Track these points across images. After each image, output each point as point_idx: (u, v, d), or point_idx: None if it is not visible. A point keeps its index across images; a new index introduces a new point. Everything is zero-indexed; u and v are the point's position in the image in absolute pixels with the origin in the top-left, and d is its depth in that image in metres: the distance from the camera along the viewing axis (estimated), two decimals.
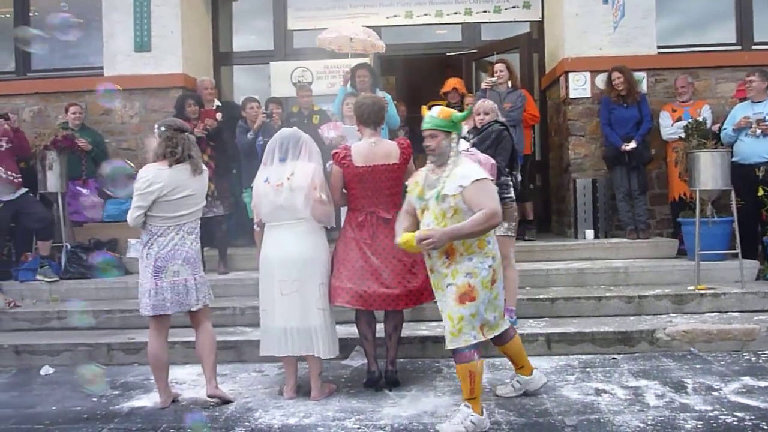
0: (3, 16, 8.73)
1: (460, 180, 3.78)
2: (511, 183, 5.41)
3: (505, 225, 5.35)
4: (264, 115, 7.15)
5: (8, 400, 4.85)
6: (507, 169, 5.39)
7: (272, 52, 9.25)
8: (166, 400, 4.50)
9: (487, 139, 5.37)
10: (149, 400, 4.66)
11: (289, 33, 9.19)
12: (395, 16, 9.02)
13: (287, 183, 4.39)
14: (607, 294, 6.05)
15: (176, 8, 8.21)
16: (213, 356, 4.51)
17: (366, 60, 7.86)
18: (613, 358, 5.15)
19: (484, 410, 3.84)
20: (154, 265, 4.34)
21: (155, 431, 4.06)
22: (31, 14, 8.68)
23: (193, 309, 4.41)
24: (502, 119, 5.48)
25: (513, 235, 5.44)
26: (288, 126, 5.41)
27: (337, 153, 4.64)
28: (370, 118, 4.61)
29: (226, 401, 4.48)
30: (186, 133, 4.42)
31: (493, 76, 7.42)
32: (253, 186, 4.64)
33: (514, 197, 5.42)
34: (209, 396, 4.46)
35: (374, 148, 4.55)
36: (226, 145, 7.28)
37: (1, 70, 8.71)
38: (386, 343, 4.71)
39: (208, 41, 9.12)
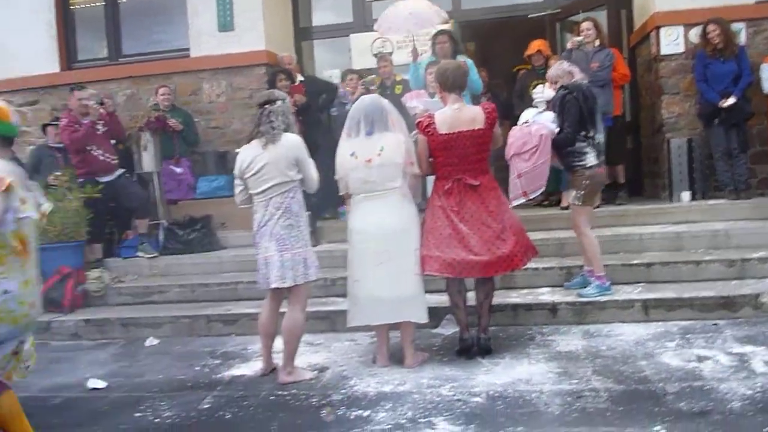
0: (94, 5, 9.05)
1: None
2: (586, 149, 5.23)
3: (573, 193, 5.24)
4: (362, 87, 7.17)
5: (119, 369, 5.13)
6: (582, 133, 5.22)
7: (351, 24, 9.24)
8: (266, 368, 4.64)
9: (555, 108, 5.27)
10: (249, 368, 4.82)
11: (368, 4, 9.15)
12: None
13: (378, 159, 4.39)
14: (707, 258, 5.79)
15: None
16: (292, 340, 4.45)
17: (447, 26, 7.72)
18: (715, 324, 4.94)
19: None
20: (254, 240, 4.49)
21: (256, 398, 4.20)
22: (120, 1, 8.98)
23: (272, 286, 4.41)
24: (576, 80, 5.28)
25: (580, 203, 5.27)
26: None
27: (420, 122, 4.61)
28: (452, 83, 4.56)
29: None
30: (272, 105, 4.45)
31: (579, 36, 7.17)
32: (337, 158, 4.65)
33: (588, 164, 5.23)
34: (280, 383, 4.43)
35: (458, 114, 4.49)
36: (314, 120, 7.37)
37: (95, 56, 9.04)
38: (477, 311, 4.69)
39: (289, 17, 9.20)
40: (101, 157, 7.13)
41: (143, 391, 4.52)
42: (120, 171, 7.36)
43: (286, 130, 4.44)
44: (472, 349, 4.61)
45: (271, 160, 4.36)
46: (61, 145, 7.41)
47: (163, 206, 7.81)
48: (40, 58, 8.79)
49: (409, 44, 8.56)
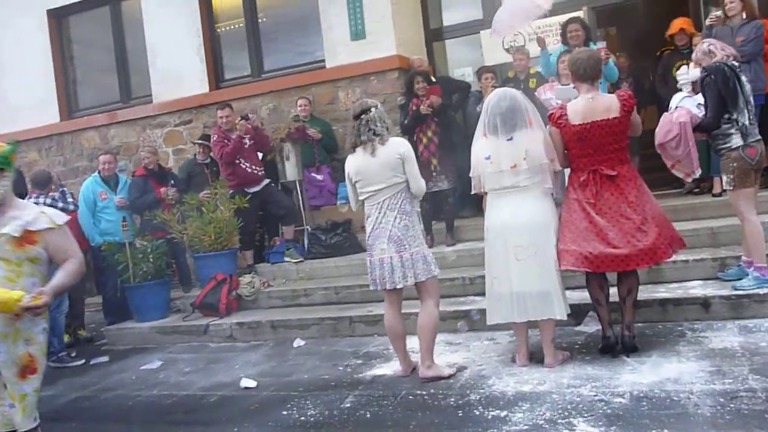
0: (236, 26, 9.60)
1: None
2: (730, 131, 4.86)
3: (724, 178, 4.89)
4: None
5: (269, 369, 5.40)
6: (726, 116, 4.85)
7: (481, 21, 9.15)
8: (406, 369, 4.71)
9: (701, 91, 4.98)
10: (389, 368, 4.91)
11: (497, 0, 9.02)
12: None
13: (524, 163, 4.34)
14: None
15: None
16: (429, 336, 4.49)
17: (579, 14, 7.47)
18: None
19: None
20: (367, 242, 4.60)
21: (395, 398, 4.28)
22: (260, 20, 9.46)
23: (398, 286, 4.46)
24: (717, 60, 4.91)
25: (732, 187, 4.89)
26: None
27: (552, 114, 4.51)
28: (585, 73, 4.42)
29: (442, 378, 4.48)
30: (367, 114, 4.53)
31: (718, 11, 6.66)
32: (472, 158, 4.62)
33: (734, 145, 4.85)
34: (422, 378, 4.49)
35: (592, 104, 4.34)
36: (447, 121, 7.39)
37: (240, 75, 9.58)
38: (621, 307, 4.49)
39: (419, 20, 9.26)
40: (249, 169, 7.55)
41: (290, 390, 4.74)
42: (266, 181, 7.75)
43: (385, 134, 4.52)
44: (615, 347, 4.43)
45: (381, 163, 4.46)
46: (207, 161, 7.93)
47: (307, 212, 8.13)
48: (194, 79, 9.44)
49: (542, 35, 8.41)
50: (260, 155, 7.90)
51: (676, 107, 5.15)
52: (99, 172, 7.65)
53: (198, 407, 4.69)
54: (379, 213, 4.49)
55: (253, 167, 7.60)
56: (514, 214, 4.39)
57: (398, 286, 4.48)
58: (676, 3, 8.42)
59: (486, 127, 4.50)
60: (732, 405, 3.43)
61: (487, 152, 4.46)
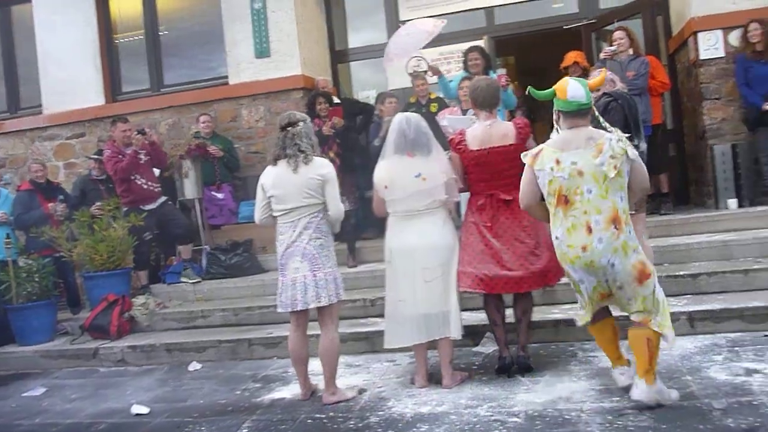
0: (135, 38, 9.32)
1: None
2: None
3: None
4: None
5: (163, 394, 5.20)
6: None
7: (386, 45, 9.29)
8: (305, 393, 4.63)
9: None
10: (289, 392, 4.83)
11: (402, 24, 9.18)
12: None
13: (427, 186, 4.41)
14: (756, 266, 5.60)
15: (291, 12, 8.43)
16: (333, 362, 4.45)
17: (479, 42, 7.71)
18: (765, 336, 4.77)
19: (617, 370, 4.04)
20: (279, 262, 4.51)
21: (294, 421, 4.21)
22: (161, 33, 9.22)
23: (310, 306, 4.42)
24: (618, 89, 5.19)
25: (633, 212, 5.15)
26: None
27: (452, 139, 4.62)
28: (484, 101, 4.55)
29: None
30: (294, 127, 4.47)
31: (612, 46, 7.07)
32: (375, 178, 4.64)
33: None
34: (324, 404, 4.43)
35: (489, 131, 4.48)
36: (350, 142, 7.43)
37: (139, 88, 9.29)
38: (516, 328, 4.62)
39: (324, 41, 9.31)
40: (144, 186, 7.31)
41: (184, 416, 4.57)
42: (163, 199, 7.52)
43: (310, 152, 4.45)
44: (511, 367, 4.54)
45: (301, 182, 4.38)
46: (103, 177, 7.61)
47: (206, 232, 7.94)
48: (88, 90, 9.07)
49: (443, 62, 8.63)
50: (157, 172, 7.66)
51: None
52: None
53: None
54: (294, 231, 4.42)
55: (150, 184, 7.36)
56: (421, 236, 4.44)
57: (310, 306, 4.42)
58: (571, 36, 8.83)
59: (390, 150, 4.55)
60: (619, 422, 3.58)
61: (390, 175, 4.51)
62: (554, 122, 3.93)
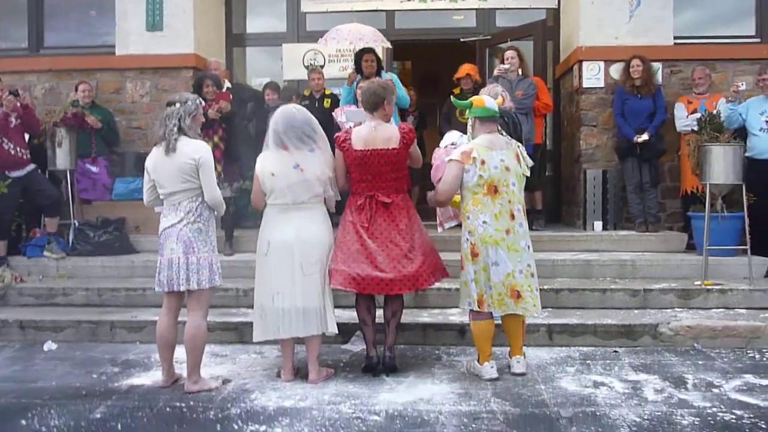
0: None
1: None
2: None
3: None
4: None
5: (11, 374, 4.89)
6: None
7: (285, 34, 9.21)
8: (167, 379, 4.50)
9: None
10: (149, 378, 4.68)
11: (303, 15, 9.13)
12: (410, 0, 8.93)
13: (306, 180, 4.41)
14: (613, 286, 5.99)
15: None
16: (198, 350, 4.36)
17: (383, 44, 7.78)
18: (615, 351, 5.11)
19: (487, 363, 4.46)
20: (159, 241, 4.39)
21: (152, 409, 4.07)
22: None
23: (181, 289, 4.32)
24: (506, 106, 5.38)
25: None
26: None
27: (338, 136, 4.64)
28: (373, 103, 4.59)
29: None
30: (169, 108, 4.35)
31: (504, 64, 7.33)
32: (256, 168, 4.59)
33: None
34: (186, 392, 4.33)
35: (374, 133, 4.53)
36: (236, 129, 7.28)
37: (15, 46, 8.71)
38: (385, 329, 4.69)
39: (221, 22, 9.10)
40: (12, 151, 6.85)
41: (33, 398, 4.31)
42: (32, 166, 7.07)
43: (183, 134, 4.32)
44: (377, 366, 4.61)
45: (174, 166, 4.28)
46: None
47: (76, 206, 7.54)
48: None
49: (340, 59, 8.66)
50: (27, 137, 7.19)
51: (459, 143, 5.40)
52: None
53: None
54: (176, 213, 4.31)
55: (18, 149, 6.89)
56: (300, 230, 4.43)
57: (181, 289, 4.31)
58: (467, 49, 9.09)
59: (270, 141, 4.51)
60: (473, 425, 3.71)
61: (271, 166, 4.46)
62: (469, 128, 4.60)
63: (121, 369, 4.92)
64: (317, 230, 4.49)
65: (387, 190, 4.51)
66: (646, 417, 3.79)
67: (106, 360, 5.14)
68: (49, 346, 5.55)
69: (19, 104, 6.89)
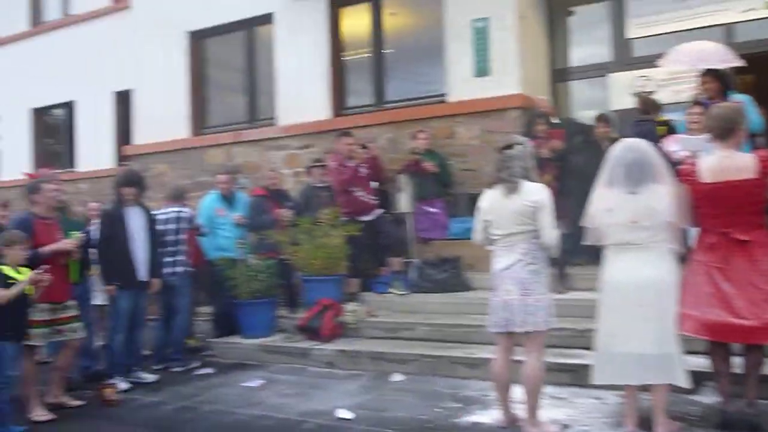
0: (362, 56, 9.80)
1: None
2: None
3: None
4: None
5: (365, 402, 5.38)
6: None
7: (609, 64, 8.92)
8: (506, 420, 4.55)
9: None
10: (488, 416, 4.78)
11: (628, 41, 8.77)
12: (751, 9, 8.03)
13: (646, 219, 4.16)
14: None
15: (514, 31, 8.38)
16: (536, 391, 4.33)
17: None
18: None
19: None
20: (493, 282, 4.48)
21: None
22: (385, 52, 9.62)
23: (516, 330, 4.34)
24: None
25: None
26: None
27: (682, 170, 4.28)
28: (722, 131, 4.17)
29: None
30: (508, 150, 4.42)
31: None
32: (590, 208, 4.45)
33: None
34: None
35: (726, 162, 4.10)
36: (569, 165, 7.20)
37: (362, 103, 9.76)
38: (744, 381, 4.17)
39: (544, 59, 9.14)
40: (363, 198, 7.65)
41: (385, 427, 4.69)
42: (379, 211, 7.81)
43: (524, 177, 4.36)
44: (736, 423, 4.10)
45: (513, 209, 4.33)
46: (323, 185, 8.06)
47: (416, 245, 8.12)
48: (317, 105, 9.72)
49: (672, 82, 8.10)
50: (374, 185, 7.98)
51: None
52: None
53: None
54: (509, 256, 4.37)
55: (367, 196, 7.68)
56: (637, 271, 4.18)
57: (518, 330, 4.34)
58: None
59: (608, 178, 4.33)
60: None
61: (607, 204, 4.29)
62: None
63: (462, 405, 5.11)
64: (655, 272, 4.17)
65: (744, 226, 4.05)
66: None
67: (447, 395, 5.39)
68: (397, 377, 6.00)
69: (368, 156, 7.68)
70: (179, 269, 7.11)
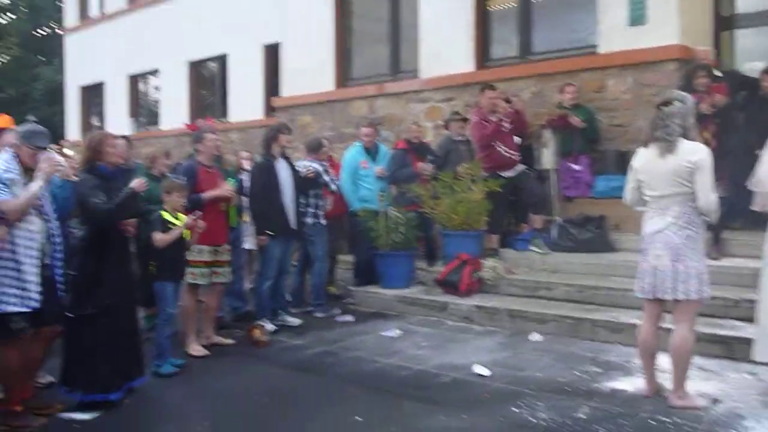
0: (508, 6, 9.49)
1: None
2: None
3: None
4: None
5: (501, 359, 5.38)
6: None
7: None
8: (650, 389, 4.40)
9: None
10: (630, 384, 4.65)
11: None
12: None
13: None
14: None
15: None
16: (684, 362, 4.14)
17: None
18: None
19: None
20: (642, 246, 4.30)
21: (634, 418, 4.03)
22: (534, 0, 9.27)
23: (665, 297, 4.15)
24: None
25: None
26: None
27: None
28: None
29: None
30: (668, 107, 4.15)
31: None
32: (762, 168, 4.13)
33: None
34: (670, 406, 4.14)
35: None
36: (732, 122, 6.69)
37: (506, 56, 9.49)
38: None
39: (708, 5, 8.44)
40: (505, 153, 7.51)
41: (522, 386, 4.67)
42: (521, 167, 7.65)
43: (682, 135, 4.09)
44: None
45: (668, 169, 4.09)
46: (465, 139, 7.95)
47: (559, 203, 7.91)
48: (460, 57, 9.56)
49: None
50: (518, 140, 7.80)
51: None
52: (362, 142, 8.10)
53: (431, 385, 4.82)
54: (662, 219, 4.17)
55: (509, 152, 7.53)
56: None
57: (667, 298, 4.17)
58: None
59: None
60: None
61: None
62: None
63: (603, 370, 4.98)
64: None
65: None
66: None
67: (587, 358, 5.28)
68: (535, 336, 5.94)
69: (511, 110, 7.51)
70: (316, 220, 7.29)
